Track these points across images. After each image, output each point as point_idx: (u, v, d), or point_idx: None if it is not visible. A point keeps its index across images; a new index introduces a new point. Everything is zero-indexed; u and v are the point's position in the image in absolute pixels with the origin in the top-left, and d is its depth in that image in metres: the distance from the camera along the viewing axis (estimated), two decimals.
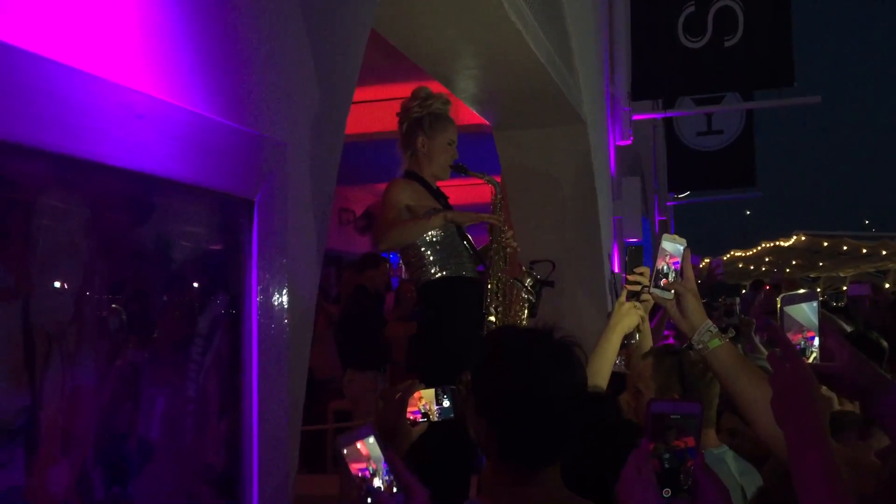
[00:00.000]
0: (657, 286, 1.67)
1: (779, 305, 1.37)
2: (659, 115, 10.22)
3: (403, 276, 8.71)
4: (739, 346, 3.57)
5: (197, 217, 1.46)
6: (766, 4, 6.42)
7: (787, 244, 18.65)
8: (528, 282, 3.25)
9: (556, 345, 1.52)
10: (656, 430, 1.12)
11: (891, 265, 18.84)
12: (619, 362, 2.36)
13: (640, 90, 6.82)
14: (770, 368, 1.29)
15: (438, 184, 3.42)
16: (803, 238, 18.14)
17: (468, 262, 3.30)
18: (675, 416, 1.12)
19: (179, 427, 1.42)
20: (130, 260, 1.31)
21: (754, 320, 4.77)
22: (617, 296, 2.31)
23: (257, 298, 1.56)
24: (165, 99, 1.32)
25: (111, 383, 1.25)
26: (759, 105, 9.63)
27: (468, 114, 5.06)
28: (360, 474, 1.29)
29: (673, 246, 1.67)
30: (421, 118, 3.33)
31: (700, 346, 1.63)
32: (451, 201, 3.45)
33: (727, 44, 6.47)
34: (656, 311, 3.28)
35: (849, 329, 4.65)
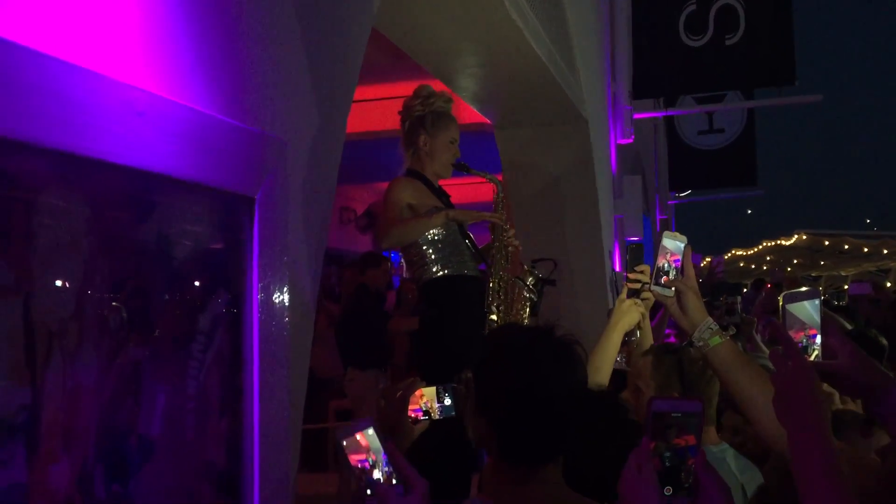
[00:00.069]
0: (658, 284, 1.67)
1: (781, 303, 1.37)
2: (660, 114, 10.23)
3: (405, 274, 8.71)
4: (739, 344, 3.57)
5: (198, 215, 1.46)
6: (767, 3, 6.41)
7: (788, 243, 18.67)
8: (529, 280, 3.25)
9: (557, 343, 1.52)
10: (657, 429, 1.12)
11: (892, 264, 18.82)
12: (620, 360, 2.36)
13: (642, 89, 6.82)
14: (772, 366, 1.29)
15: (440, 182, 3.42)
16: (805, 237, 18.15)
17: (470, 260, 3.30)
18: (675, 415, 1.12)
19: (180, 425, 1.42)
20: (131, 257, 1.31)
21: (755, 319, 4.77)
22: (618, 294, 2.31)
23: (258, 296, 1.56)
24: (166, 96, 1.32)
25: (112, 381, 1.24)
26: (760, 104, 9.64)
27: (469, 112, 5.06)
28: (359, 465, 1.29)
29: (674, 243, 1.67)
30: (423, 116, 3.33)
31: (700, 344, 1.63)
32: (453, 200, 3.45)
33: (728, 42, 6.47)
34: (657, 309, 3.28)
35: (849, 328, 4.64)
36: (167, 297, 1.40)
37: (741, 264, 21.89)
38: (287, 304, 1.65)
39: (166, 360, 1.38)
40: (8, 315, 1.08)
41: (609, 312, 2.35)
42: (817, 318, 1.36)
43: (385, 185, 3.35)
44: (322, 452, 6.13)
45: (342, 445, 1.29)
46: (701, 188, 13.75)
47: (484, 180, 3.39)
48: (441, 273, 3.21)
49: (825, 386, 1.36)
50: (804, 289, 1.41)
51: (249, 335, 1.54)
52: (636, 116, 6.89)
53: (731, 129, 11.17)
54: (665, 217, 13.35)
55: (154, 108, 1.27)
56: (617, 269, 5.98)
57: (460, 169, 3.37)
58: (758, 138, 11.44)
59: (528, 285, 3.25)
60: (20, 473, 1.08)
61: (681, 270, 1.66)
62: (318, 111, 1.90)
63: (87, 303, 1.20)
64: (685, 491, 1.10)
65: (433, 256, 3.21)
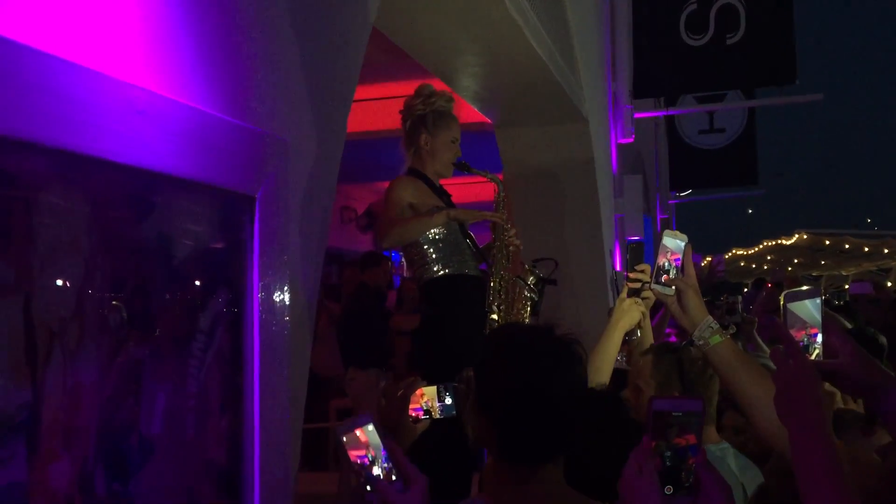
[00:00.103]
0: (658, 282, 1.67)
1: (782, 302, 1.37)
2: (661, 113, 10.23)
3: (405, 274, 8.72)
4: (740, 343, 3.56)
5: (198, 214, 1.46)
6: (767, 2, 6.40)
7: (789, 242, 18.64)
8: (530, 280, 3.25)
9: (557, 342, 1.52)
10: (658, 428, 1.12)
11: (893, 263, 18.80)
12: (621, 359, 2.36)
13: (642, 88, 6.81)
14: (773, 366, 1.29)
15: (441, 181, 3.42)
16: (805, 236, 18.13)
17: (471, 259, 3.29)
18: (676, 414, 1.11)
19: (180, 424, 1.42)
20: (131, 256, 1.31)
21: (756, 319, 4.77)
22: (618, 293, 2.31)
23: (258, 295, 1.56)
24: (167, 95, 1.32)
25: (112, 380, 1.24)
26: (761, 103, 9.63)
27: (470, 112, 5.06)
28: (359, 461, 1.29)
29: (674, 242, 1.67)
30: (424, 115, 3.32)
31: (701, 343, 1.63)
32: (454, 199, 3.45)
33: (729, 41, 6.46)
34: (658, 308, 3.28)
35: (850, 327, 4.64)
36: (167, 296, 1.40)
37: (742, 264, 21.88)
38: (287, 303, 1.65)
39: (167, 360, 1.38)
40: (8, 314, 1.08)
41: (609, 312, 2.35)
42: (818, 317, 1.36)
43: (385, 184, 3.35)
44: (322, 452, 6.13)
45: (342, 441, 1.29)
46: (702, 187, 13.74)
47: (485, 179, 3.39)
48: (442, 272, 3.21)
49: (826, 385, 1.36)
50: (805, 288, 1.41)
51: (250, 334, 1.54)
52: (637, 116, 6.88)
53: (732, 128, 11.15)
54: (666, 216, 13.35)
55: (154, 106, 1.27)
56: (617, 268, 5.98)
57: (461, 168, 3.36)
58: (758, 137, 11.43)
59: (528, 285, 3.25)
60: (20, 472, 1.08)
61: (681, 269, 1.66)
62: (318, 110, 1.90)
63: (88, 302, 1.20)
64: (686, 490, 1.10)
65: (434, 256, 3.21)
